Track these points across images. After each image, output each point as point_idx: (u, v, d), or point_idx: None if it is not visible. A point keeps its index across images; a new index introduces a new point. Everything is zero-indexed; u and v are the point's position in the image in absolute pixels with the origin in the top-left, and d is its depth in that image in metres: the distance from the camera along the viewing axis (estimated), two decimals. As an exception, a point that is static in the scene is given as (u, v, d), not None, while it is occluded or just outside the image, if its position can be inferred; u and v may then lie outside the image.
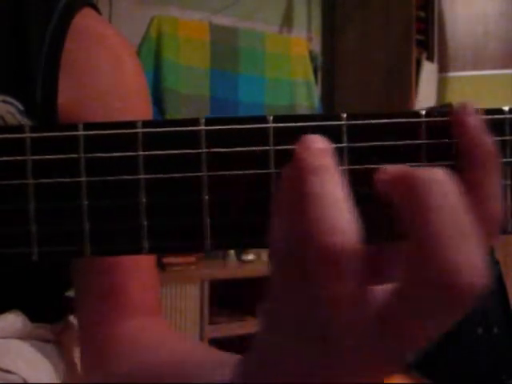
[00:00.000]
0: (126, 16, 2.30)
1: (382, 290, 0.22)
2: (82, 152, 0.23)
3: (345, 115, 0.23)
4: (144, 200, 0.23)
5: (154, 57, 2.36)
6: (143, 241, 0.23)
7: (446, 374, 2.23)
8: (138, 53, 2.33)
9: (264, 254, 2.40)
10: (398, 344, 0.22)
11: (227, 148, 0.23)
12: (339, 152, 0.23)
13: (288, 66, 2.66)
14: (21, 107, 0.46)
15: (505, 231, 0.24)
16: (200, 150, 0.23)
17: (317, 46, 2.86)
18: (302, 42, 2.74)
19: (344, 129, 0.23)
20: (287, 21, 2.76)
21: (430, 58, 2.80)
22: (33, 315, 0.49)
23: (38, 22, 0.48)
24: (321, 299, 0.22)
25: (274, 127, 0.23)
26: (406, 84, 2.63)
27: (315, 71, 2.78)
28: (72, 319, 0.56)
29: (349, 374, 0.23)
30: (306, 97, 2.70)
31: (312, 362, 0.23)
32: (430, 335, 0.22)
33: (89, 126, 0.23)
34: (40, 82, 0.47)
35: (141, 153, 0.23)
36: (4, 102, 0.45)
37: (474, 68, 2.85)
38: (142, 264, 0.48)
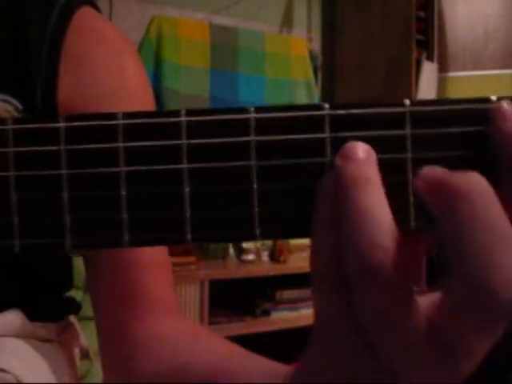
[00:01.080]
0: (126, 16, 2.30)
1: (428, 301, 0.22)
2: (62, 144, 0.23)
3: (327, 105, 0.23)
4: (124, 193, 0.23)
5: (153, 57, 2.36)
6: (123, 234, 0.23)
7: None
8: (138, 53, 2.33)
9: (264, 254, 2.40)
10: (453, 358, 0.22)
11: (208, 139, 0.23)
12: (322, 143, 0.23)
13: (288, 66, 2.66)
14: (19, 106, 0.46)
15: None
16: (180, 142, 0.23)
17: (317, 46, 2.86)
18: (301, 42, 2.74)
19: (326, 119, 0.23)
20: (287, 21, 2.77)
21: (430, 58, 2.80)
22: (33, 314, 0.49)
23: (37, 20, 0.48)
24: (363, 314, 0.22)
25: (256, 118, 0.23)
26: (406, 84, 2.63)
27: (315, 71, 2.78)
28: (72, 319, 0.56)
29: None
30: (306, 97, 2.70)
31: (362, 376, 0.23)
32: (484, 346, 0.21)
33: (70, 117, 0.23)
34: (40, 81, 0.47)
35: (121, 144, 0.23)
36: (2, 100, 0.45)
37: (474, 68, 2.85)
38: (160, 261, 0.48)
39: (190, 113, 0.23)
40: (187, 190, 0.23)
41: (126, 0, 2.33)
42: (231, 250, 2.31)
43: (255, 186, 0.23)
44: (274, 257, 2.36)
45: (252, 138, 0.23)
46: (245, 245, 2.34)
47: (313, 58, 2.77)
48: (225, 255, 2.32)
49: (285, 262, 2.33)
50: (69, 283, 0.57)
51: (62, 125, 0.23)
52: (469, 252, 0.20)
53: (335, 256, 0.22)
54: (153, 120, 0.23)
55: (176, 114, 0.23)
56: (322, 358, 0.24)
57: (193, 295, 2.07)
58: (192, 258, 2.14)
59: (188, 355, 0.41)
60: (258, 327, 2.22)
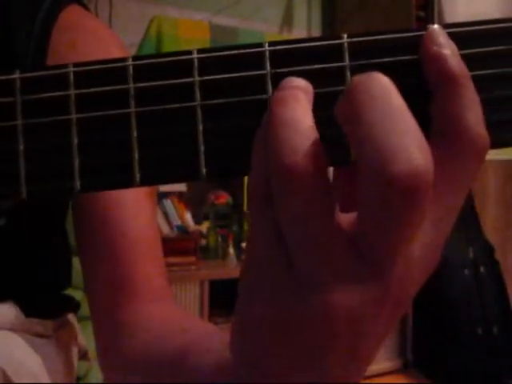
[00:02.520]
0: (125, 16, 2.30)
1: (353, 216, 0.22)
2: (18, 95, 0.24)
3: (267, 44, 0.24)
4: (76, 139, 0.24)
5: (154, 57, 2.36)
6: (75, 179, 0.24)
7: (446, 374, 2.23)
8: (138, 53, 2.33)
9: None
10: (373, 264, 0.21)
11: (154, 82, 0.24)
12: (263, 79, 0.24)
13: (288, 66, 2.66)
14: None
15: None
16: (127, 86, 0.24)
17: (317, 46, 2.85)
18: (302, 42, 2.74)
19: (266, 55, 0.24)
20: (287, 21, 2.76)
21: (430, 58, 2.80)
22: (30, 310, 0.49)
23: (24, 19, 0.49)
24: (281, 219, 0.22)
25: (199, 58, 0.24)
26: (406, 84, 2.63)
27: (315, 71, 2.77)
28: (71, 318, 0.56)
29: (320, 300, 0.21)
30: (306, 97, 2.70)
31: (279, 287, 0.22)
32: (396, 244, 0.20)
33: (24, 70, 0.25)
34: None
35: (72, 92, 0.24)
36: None
37: (474, 68, 2.85)
38: (149, 246, 0.49)
39: (135, 58, 0.24)
40: (135, 134, 0.24)
41: (126, 0, 2.33)
42: (231, 250, 2.31)
43: (200, 125, 0.24)
44: (274, 257, 2.36)
45: (196, 78, 0.24)
46: (245, 245, 2.34)
47: (313, 58, 2.77)
48: (225, 255, 2.31)
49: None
50: (67, 281, 0.57)
51: (16, 76, 0.24)
52: (365, 139, 0.20)
53: (265, 173, 0.22)
54: (102, 66, 0.24)
55: (123, 60, 0.24)
56: (248, 276, 0.24)
57: (193, 295, 2.07)
58: (192, 258, 2.13)
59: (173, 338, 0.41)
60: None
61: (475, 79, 0.23)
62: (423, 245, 0.22)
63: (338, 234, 0.21)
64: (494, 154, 2.76)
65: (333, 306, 0.21)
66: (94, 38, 0.51)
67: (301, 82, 0.23)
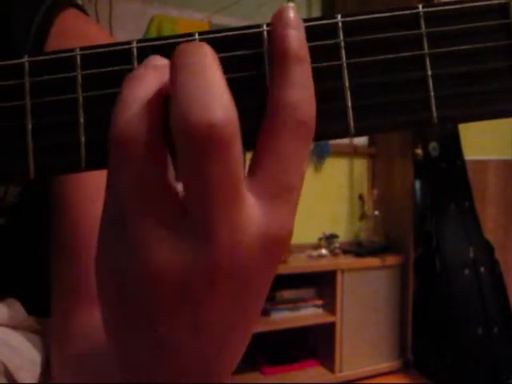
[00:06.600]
0: (126, 16, 2.30)
1: None
2: (26, 77, 0.25)
3: (265, 25, 0.25)
4: (82, 119, 0.25)
5: (153, 57, 2.36)
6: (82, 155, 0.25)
7: (446, 374, 2.23)
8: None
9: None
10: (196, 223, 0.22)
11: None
12: (261, 57, 0.25)
13: (288, 66, 2.66)
14: None
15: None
16: (131, 66, 0.25)
17: (317, 46, 2.86)
18: (302, 42, 2.74)
19: (264, 34, 0.25)
20: (287, 21, 2.77)
21: (430, 58, 2.80)
22: (31, 309, 0.49)
23: (21, 22, 0.49)
24: (112, 187, 0.23)
25: (200, 39, 0.25)
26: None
27: (315, 71, 2.78)
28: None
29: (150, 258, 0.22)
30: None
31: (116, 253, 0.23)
32: (205, 190, 0.21)
33: (32, 54, 0.26)
34: None
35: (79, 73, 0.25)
36: None
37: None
38: None
39: (140, 41, 0.25)
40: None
41: (126, 0, 2.33)
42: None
43: None
44: (274, 257, 2.35)
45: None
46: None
47: (313, 58, 2.77)
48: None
49: (285, 262, 2.33)
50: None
51: (25, 60, 0.25)
52: (173, 95, 0.21)
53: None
54: (107, 49, 0.25)
55: (127, 43, 0.25)
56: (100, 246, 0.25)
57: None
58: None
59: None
60: (257, 327, 2.22)
61: (451, 55, 0.24)
62: (254, 219, 0.22)
63: (168, 199, 0.22)
64: (494, 154, 2.76)
65: (156, 263, 0.22)
66: (91, 44, 0.51)
67: (158, 61, 0.24)
